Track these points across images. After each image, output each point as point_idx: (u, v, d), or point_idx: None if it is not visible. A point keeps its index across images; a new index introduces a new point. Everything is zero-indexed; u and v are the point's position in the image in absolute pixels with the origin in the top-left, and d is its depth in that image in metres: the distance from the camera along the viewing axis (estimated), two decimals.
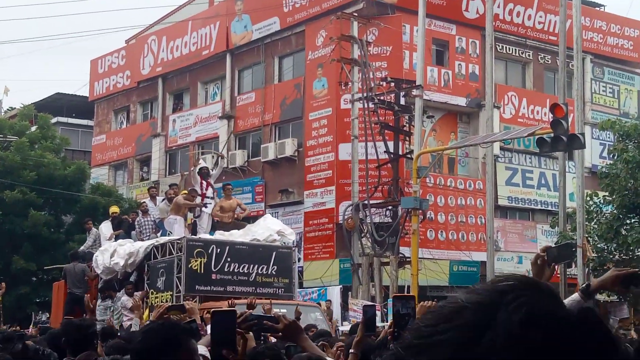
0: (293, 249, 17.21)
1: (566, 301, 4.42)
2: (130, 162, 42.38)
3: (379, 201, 26.35)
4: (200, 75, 38.95)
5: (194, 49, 38.76)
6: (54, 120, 40.80)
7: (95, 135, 45.11)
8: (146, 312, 14.65)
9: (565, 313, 1.11)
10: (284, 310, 14.65)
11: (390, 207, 26.04)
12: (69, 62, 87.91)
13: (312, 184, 31.97)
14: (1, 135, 35.41)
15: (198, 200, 18.23)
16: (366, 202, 26.04)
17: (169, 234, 17.47)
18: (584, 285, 4.32)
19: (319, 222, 31.07)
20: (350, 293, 25.36)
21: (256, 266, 16.08)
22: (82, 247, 20.19)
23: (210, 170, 19.50)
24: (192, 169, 20.18)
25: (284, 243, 17.12)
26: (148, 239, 17.63)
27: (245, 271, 15.99)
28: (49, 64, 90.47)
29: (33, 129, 37.47)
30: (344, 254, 28.65)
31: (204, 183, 18.49)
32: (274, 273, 16.28)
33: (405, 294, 22.62)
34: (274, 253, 16.43)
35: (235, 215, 18.59)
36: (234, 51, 36.90)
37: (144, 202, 18.99)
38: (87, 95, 46.06)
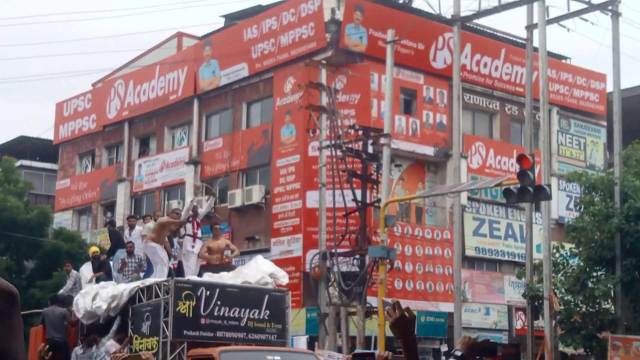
0: (287, 292, 16.42)
1: None
2: (95, 207, 41.83)
3: (346, 250, 26.15)
4: (167, 120, 38.73)
5: (161, 93, 38.57)
6: (17, 163, 40.26)
7: (59, 179, 44.53)
8: None
9: None
10: (278, 358, 14.26)
11: (357, 256, 25.85)
12: (34, 104, 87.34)
13: (279, 231, 31.70)
14: None
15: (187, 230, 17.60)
16: (333, 250, 25.82)
17: (154, 264, 16.84)
18: (459, 354, 4.40)
19: (286, 270, 30.64)
20: (316, 343, 24.99)
21: (247, 310, 15.38)
22: (61, 290, 19.53)
23: (198, 209, 18.83)
24: (187, 206, 19.17)
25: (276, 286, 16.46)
26: (130, 280, 17.05)
27: (236, 316, 15.30)
28: (13, 106, 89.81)
29: None
30: (311, 303, 28.31)
31: (195, 222, 17.89)
32: (267, 318, 15.59)
33: (365, 351, 22.39)
34: (266, 297, 15.71)
35: (225, 257, 18.00)
36: (202, 96, 36.77)
37: (131, 242, 18.21)
38: (52, 138, 45.59)
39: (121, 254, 18.20)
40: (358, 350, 22.63)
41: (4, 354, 1.27)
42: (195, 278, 16.24)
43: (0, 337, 1.28)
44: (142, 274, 17.53)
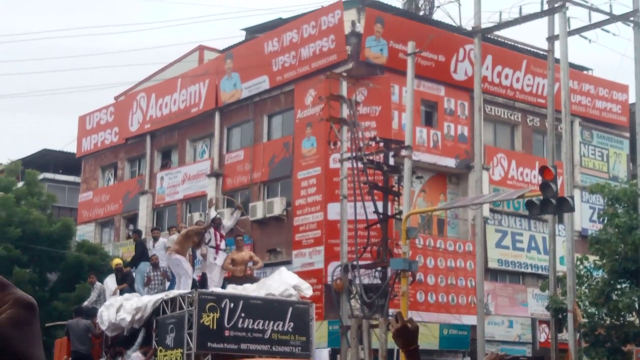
0: (310, 304, 16.40)
1: None
2: (117, 220, 42.03)
3: (368, 262, 26.08)
4: (189, 133, 38.89)
5: (183, 106, 38.76)
6: (41, 176, 40.57)
7: (81, 192, 44.79)
8: None
9: None
10: None
11: (379, 269, 25.78)
12: (57, 118, 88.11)
13: (300, 243, 31.70)
14: None
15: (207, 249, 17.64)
16: (355, 262, 25.77)
17: (178, 277, 16.87)
18: None
19: (308, 282, 30.70)
20: (338, 356, 24.95)
21: (272, 322, 15.36)
22: (86, 302, 19.59)
23: (223, 221, 18.91)
24: (208, 211, 19.44)
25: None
26: (155, 293, 17.11)
27: (260, 328, 15.27)
28: (36, 119, 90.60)
29: (20, 185, 37.23)
30: (333, 315, 28.27)
31: (218, 234, 17.90)
32: (291, 330, 15.54)
33: None
34: (291, 309, 15.70)
35: (248, 270, 17.99)
36: (223, 109, 36.91)
37: (155, 254, 18.28)
38: (75, 151, 45.88)
39: (145, 267, 18.24)
40: None
41: None
42: (219, 290, 16.24)
43: (25, 345, 1.36)
44: (167, 283, 17.55)
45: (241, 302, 15.29)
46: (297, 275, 18.20)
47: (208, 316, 14.87)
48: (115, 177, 43.57)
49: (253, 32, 37.83)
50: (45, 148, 49.48)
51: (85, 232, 41.51)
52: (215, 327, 14.91)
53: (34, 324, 1.39)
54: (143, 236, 22.78)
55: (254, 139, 35.33)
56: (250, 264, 18.33)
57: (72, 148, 46.81)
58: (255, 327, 15.25)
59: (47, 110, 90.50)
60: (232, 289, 16.43)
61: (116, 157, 43.14)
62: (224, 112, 36.98)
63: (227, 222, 19.21)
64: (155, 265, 17.84)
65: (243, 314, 15.14)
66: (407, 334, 3.51)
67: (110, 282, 18.96)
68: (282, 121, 34.80)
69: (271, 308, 15.59)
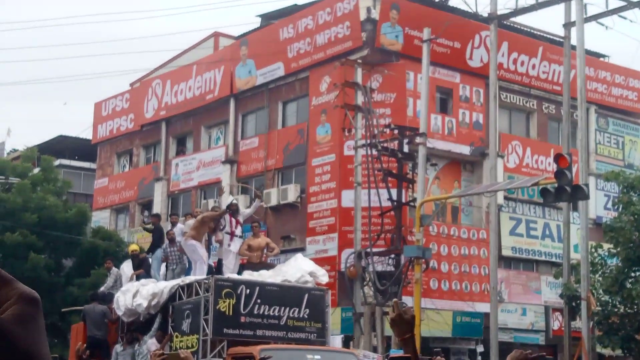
0: (326, 291, 16.37)
1: None
2: (132, 206, 42.21)
3: (381, 249, 26.12)
4: (204, 120, 38.96)
5: (198, 93, 38.82)
6: (56, 162, 40.77)
7: (97, 178, 45.00)
8: None
9: None
10: (318, 357, 14.26)
11: (393, 256, 25.81)
12: (73, 104, 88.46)
13: (314, 230, 31.74)
14: (3, 177, 35.31)
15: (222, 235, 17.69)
16: (369, 250, 25.80)
17: (194, 262, 16.95)
18: None
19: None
20: (351, 343, 25.01)
21: (287, 309, 15.35)
22: (102, 288, 19.66)
23: (242, 209, 18.94)
24: (220, 197, 19.58)
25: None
26: (172, 272, 17.20)
27: (276, 314, 15.28)
28: (52, 106, 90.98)
29: (35, 171, 37.43)
30: (346, 302, 28.33)
31: (234, 221, 17.92)
32: (306, 317, 15.54)
33: (402, 354, 22.31)
34: (306, 295, 15.69)
35: (264, 256, 18.03)
36: (238, 96, 36.94)
37: (172, 230, 18.32)
38: (90, 138, 46.07)
39: (160, 253, 18.30)
40: (394, 351, 22.60)
41: (35, 358, 1.34)
42: (235, 276, 16.25)
43: (30, 342, 1.34)
44: (185, 258, 17.52)
45: (257, 289, 15.28)
46: (313, 262, 18.19)
47: (224, 302, 14.88)
48: (130, 163, 43.73)
49: (268, 18, 37.80)
50: (61, 134, 49.70)
51: (100, 218, 41.73)
52: (231, 313, 14.92)
53: (39, 319, 1.37)
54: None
55: (268, 125, 35.36)
56: (266, 250, 18.37)
57: (87, 134, 47.07)
58: (271, 314, 15.25)
59: (63, 96, 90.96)
60: (248, 275, 16.44)
61: (131, 144, 43.29)
62: (238, 99, 37.01)
63: (248, 209, 19.22)
64: (172, 241, 17.81)
65: (259, 300, 15.14)
66: (402, 323, 3.53)
67: (127, 267, 19.01)
68: (297, 108, 34.79)
69: (287, 294, 15.59)
